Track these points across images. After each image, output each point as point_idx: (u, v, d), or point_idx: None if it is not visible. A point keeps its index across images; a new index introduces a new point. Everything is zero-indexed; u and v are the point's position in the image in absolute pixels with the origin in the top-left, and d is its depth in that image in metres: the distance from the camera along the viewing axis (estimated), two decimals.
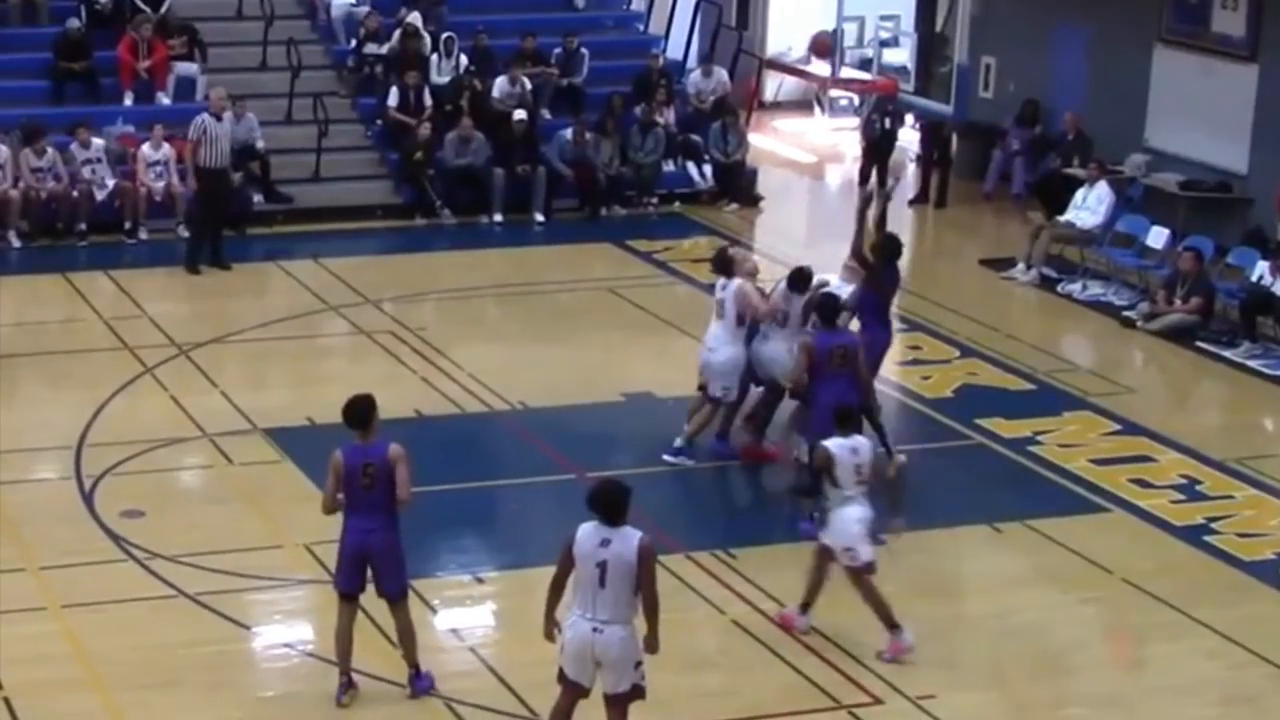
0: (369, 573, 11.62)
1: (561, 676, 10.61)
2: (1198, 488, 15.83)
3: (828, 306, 14.66)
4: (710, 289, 20.81)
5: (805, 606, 12.88)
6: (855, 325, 15.75)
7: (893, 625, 12.59)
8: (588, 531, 10.38)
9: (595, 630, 10.36)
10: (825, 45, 30.60)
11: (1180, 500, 15.56)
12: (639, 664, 10.50)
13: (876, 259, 15.89)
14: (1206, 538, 14.81)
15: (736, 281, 15.53)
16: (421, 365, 18.23)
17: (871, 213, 17.64)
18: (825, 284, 15.62)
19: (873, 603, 12.59)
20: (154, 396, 17.25)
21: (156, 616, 12.94)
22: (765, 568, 13.76)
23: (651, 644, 10.53)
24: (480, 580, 13.76)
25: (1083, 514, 15.25)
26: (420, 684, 11.78)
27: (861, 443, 12.72)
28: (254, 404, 16.92)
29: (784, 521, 14.85)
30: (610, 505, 10.36)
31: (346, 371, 18.26)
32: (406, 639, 11.77)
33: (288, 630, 12.94)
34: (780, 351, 15.44)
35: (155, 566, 13.59)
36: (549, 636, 10.63)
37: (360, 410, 11.44)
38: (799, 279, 15.59)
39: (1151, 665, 13.20)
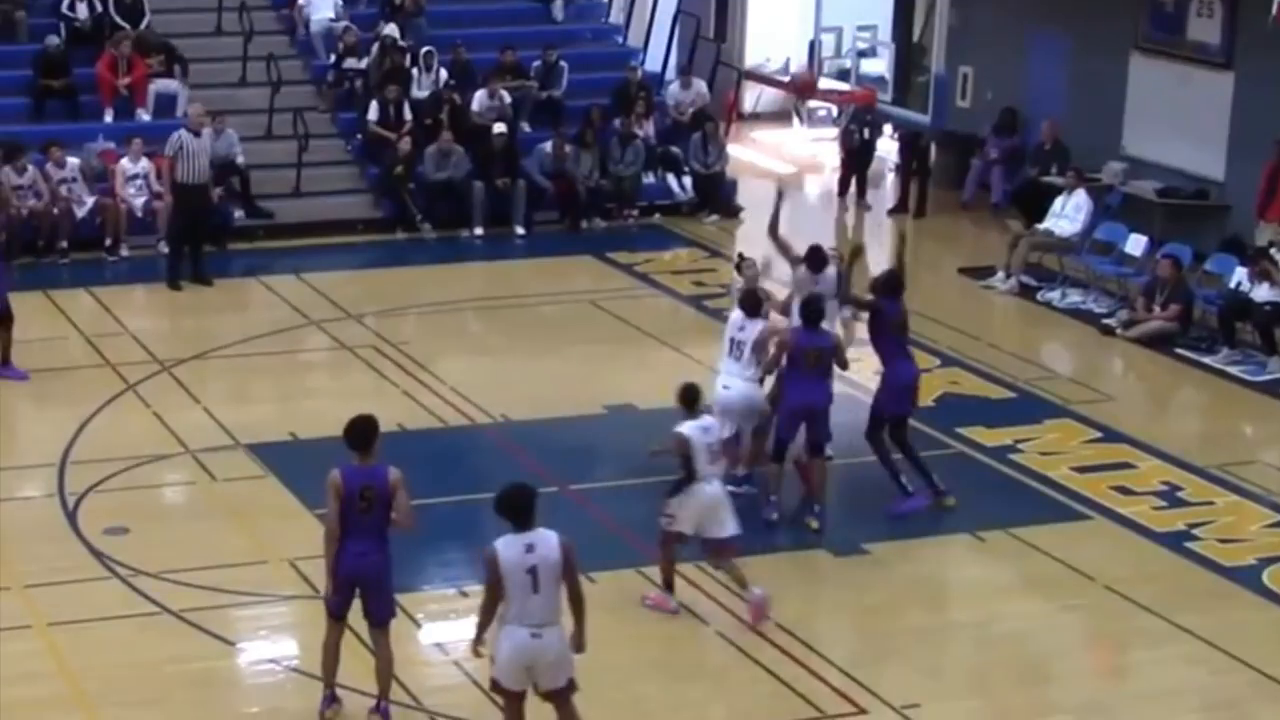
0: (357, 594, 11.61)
1: (499, 688, 10.71)
2: (1178, 494, 15.89)
3: (811, 308, 14.72)
4: (694, 302, 21.02)
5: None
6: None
7: (670, 585, 13.24)
8: (508, 543, 10.44)
9: (534, 636, 10.44)
10: (808, 83, 30.50)
11: (1161, 507, 15.62)
12: (570, 658, 10.67)
13: (875, 294, 15.70)
14: (1187, 544, 14.87)
15: (761, 326, 15.02)
16: (404, 379, 18.25)
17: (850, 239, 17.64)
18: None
19: (663, 565, 13.28)
20: (136, 413, 17.25)
21: (141, 633, 12.94)
22: (750, 578, 13.77)
23: (579, 643, 10.66)
24: (464, 594, 13.74)
25: (1064, 522, 15.31)
26: (380, 712, 11.69)
27: (711, 423, 13.13)
28: (237, 420, 16.93)
29: (763, 533, 14.86)
30: (521, 508, 10.48)
31: (329, 386, 18.29)
32: (383, 668, 11.65)
33: (272, 646, 12.95)
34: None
35: (139, 583, 13.59)
36: (476, 654, 10.73)
37: (363, 431, 11.32)
38: (816, 258, 15.79)
39: (1133, 672, 13.25)
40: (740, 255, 16.25)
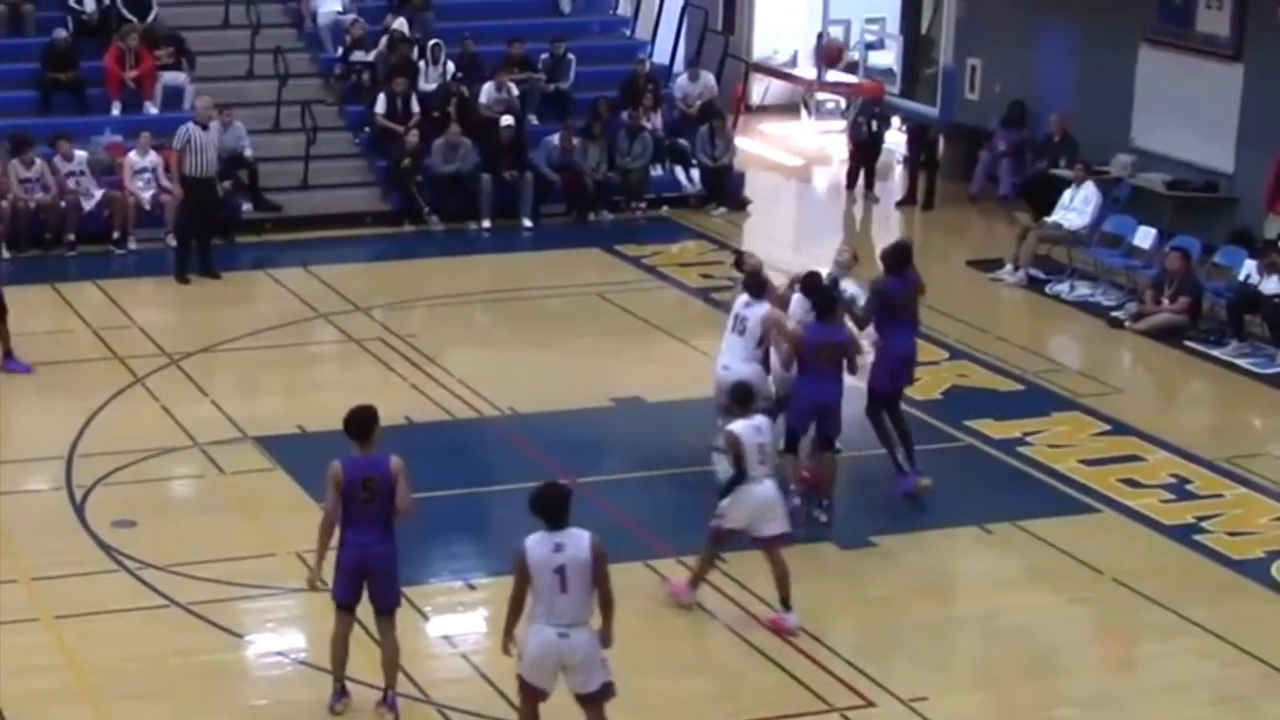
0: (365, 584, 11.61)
1: (522, 685, 10.64)
2: (1187, 487, 15.86)
3: (826, 300, 14.65)
4: (702, 294, 21.00)
5: (784, 602, 12.95)
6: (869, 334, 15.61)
7: (698, 582, 13.14)
8: (538, 540, 10.40)
9: (561, 635, 10.39)
10: (835, 52, 30.66)
11: (1170, 500, 15.59)
12: (604, 660, 10.56)
13: (884, 269, 15.62)
14: (1196, 537, 14.84)
15: (767, 307, 14.92)
16: (411, 372, 18.24)
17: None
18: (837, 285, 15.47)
19: (703, 559, 13.09)
20: (144, 406, 17.25)
21: (149, 626, 12.94)
22: (756, 572, 13.74)
23: (606, 638, 10.59)
24: (472, 587, 13.76)
25: (1073, 514, 15.27)
26: (388, 703, 11.69)
27: (763, 422, 12.98)
28: (245, 413, 16.93)
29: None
30: (554, 508, 10.41)
31: (337, 379, 18.28)
32: (389, 658, 11.65)
33: (280, 639, 12.94)
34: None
35: (147, 576, 13.58)
36: (506, 651, 10.63)
37: (363, 421, 11.35)
38: (812, 287, 15.06)
39: (1142, 665, 13.23)
40: (738, 251, 16.28)
